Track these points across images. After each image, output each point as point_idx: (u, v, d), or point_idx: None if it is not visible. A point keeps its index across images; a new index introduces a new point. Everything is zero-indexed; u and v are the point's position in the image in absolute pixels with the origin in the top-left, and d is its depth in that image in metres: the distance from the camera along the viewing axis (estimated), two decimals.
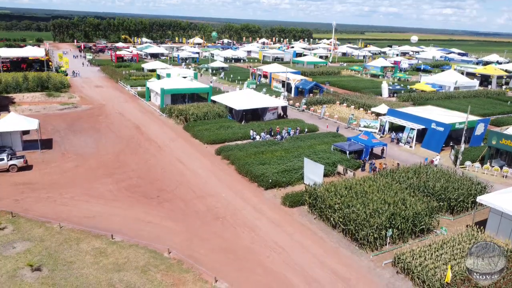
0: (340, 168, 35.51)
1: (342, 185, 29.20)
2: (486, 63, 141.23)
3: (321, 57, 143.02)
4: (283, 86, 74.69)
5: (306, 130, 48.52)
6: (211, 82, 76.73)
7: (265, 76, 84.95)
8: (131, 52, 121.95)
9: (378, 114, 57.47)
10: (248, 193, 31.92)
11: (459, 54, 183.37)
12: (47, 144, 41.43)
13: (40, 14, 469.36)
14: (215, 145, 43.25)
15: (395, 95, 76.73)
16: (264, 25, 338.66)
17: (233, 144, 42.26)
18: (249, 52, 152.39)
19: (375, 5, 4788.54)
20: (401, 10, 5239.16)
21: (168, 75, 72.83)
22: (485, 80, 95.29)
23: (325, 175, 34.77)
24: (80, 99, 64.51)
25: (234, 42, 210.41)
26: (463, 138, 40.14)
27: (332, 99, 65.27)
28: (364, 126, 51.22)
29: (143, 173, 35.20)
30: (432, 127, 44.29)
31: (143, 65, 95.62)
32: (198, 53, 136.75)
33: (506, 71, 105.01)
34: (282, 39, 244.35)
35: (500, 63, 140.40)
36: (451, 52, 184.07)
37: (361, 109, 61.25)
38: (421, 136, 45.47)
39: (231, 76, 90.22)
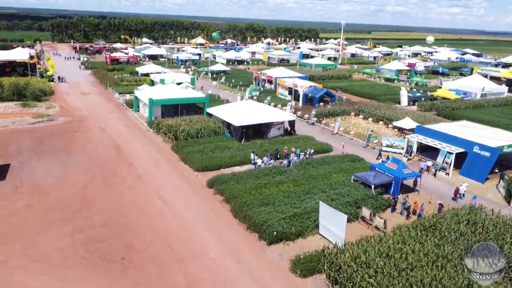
0: (365, 212, 27.43)
1: (375, 248, 21.08)
2: (506, 65, 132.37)
3: (329, 58, 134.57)
4: (289, 93, 66.64)
5: (312, 151, 40.32)
6: (204, 91, 68.77)
7: (270, 82, 76.90)
8: (127, 54, 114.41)
9: (400, 129, 49.27)
10: (246, 251, 23.95)
11: (473, 54, 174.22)
12: (0, 172, 33.73)
13: (46, 14, 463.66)
14: (208, 172, 35.34)
15: (416, 103, 68.40)
16: (269, 24, 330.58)
17: (229, 173, 34.25)
18: (253, 53, 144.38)
19: (381, 4, 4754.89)
20: (407, 9, 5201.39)
21: (162, 81, 65.14)
22: (510, 84, 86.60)
23: (347, 221, 26.92)
24: (60, 109, 56.83)
25: (238, 43, 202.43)
26: None
27: (346, 109, 57.03)
28: (387, 146, 43.11)
29: (112, 217, 27.33)
30: (474, 151, 36.02)
31: (137, 69, 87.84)
32: (199, 54, 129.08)
33: None
34: (288, 39, 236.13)
35: None
36: (465, 53, 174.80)
37: (381, 122, 53.00)
38: (458, 159, 37.18)
39: (233, 80, 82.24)
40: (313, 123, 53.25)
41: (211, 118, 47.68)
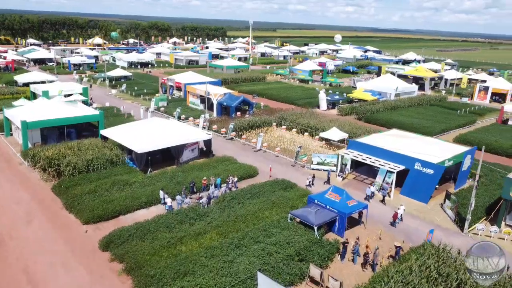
0: (314, 271, 21.26)
1: None
2: (405, 62, 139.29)
3: (240, 59, 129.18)
4: (202, 102, 59.09)
5: (236, 180, 33.67)
6: (96, 104, 58.55)
7: (179, 88, 68.44)
8: (5, 59, 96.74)
9: (328, 141, 44.78)
10: None
11: (374, 51, 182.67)
12: None
13: None
14: (103, 223, 26.62)
15: (335, 106, 65.41)
16: (175, 23, 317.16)
17: (131, 224, 25.89)
18: (158, 54, 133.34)
19: (284, 2, 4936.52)
20: (308, 8, 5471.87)
21: (46, 94, 53.46)
22: (416, 82, 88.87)
23: (291, 283, 20.72)
24: None
25: (142, 43, 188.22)
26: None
27: (267, 120, 51.14)
28: (318, 163, 37.97)
29: None
30: (416, 168, 32.19)
31: (16, 77, 72.89)
32: (96, 57, 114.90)
33: (435, 71, 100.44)
34: (195, 38, 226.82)
35: (419, 61, 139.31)
36: (367, 50, 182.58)
37: (306, 133, 48.07)
38: (398, 175, 33.11)
39: (136, 88, 72.10)
40: (231, 138, 46.47)
41: (107, 142, 38.31)
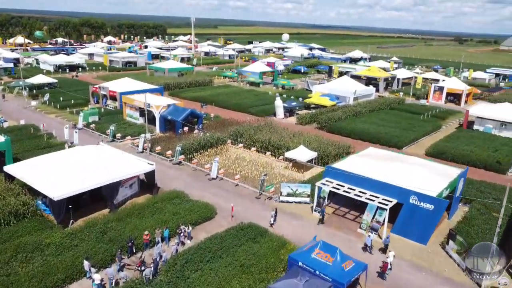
0: None
1: None
2: (352, 60, 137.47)
3: (182, 59, 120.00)
4: (141, 115, 50.27)
5: (190, 229, 26.11)
6: (7, 127, 48.02)
7: (114, 98, 58.73)
8: None
9: (294, 162, 38.25)
10: None
11: (319, 49, 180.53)
12: None
13: None
14: None
15: (293, 114, 59.29)
16: (110, 19, 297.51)
17: None
18: (91, 55, 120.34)
19: None
20: (248, 4, 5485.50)
21: None
22: (369, 83, 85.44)
23: None
24: None
25: (72, 42, 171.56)
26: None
27: (220, 137, 43.50)
28: (288, 195, 31.30)
29: None
30: (411, 201, 26.44)
31: None
32: (17, 59, 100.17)
33: (384, 70, 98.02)
34: (132, 36, 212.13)
35: (366, 59, 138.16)
36: (312, 48, 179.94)
37: (268, 152, 41.19)
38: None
39: (61, 98, 61.24)
40: (179, 163, 38.47)
41: (13, 183, 28.86)
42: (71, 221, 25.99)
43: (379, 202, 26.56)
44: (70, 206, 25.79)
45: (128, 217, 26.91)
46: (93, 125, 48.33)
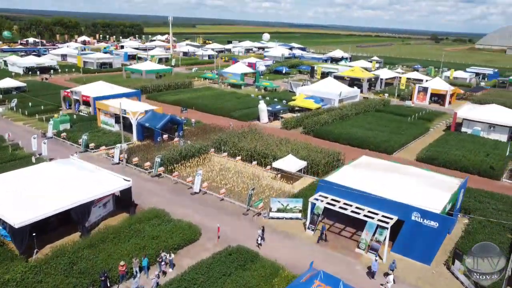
0: None
1: None
2: (333, 60, 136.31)
3: (160, 60, 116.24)
4: (117, 121, 47.01)
5: (172, 257, 23.40)
6: None
7: (87, 103, 55.10)
8: None
9: (283, 173, 35.90)
10: None
11: (299, 49, 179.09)
12: None
13: None
14: None
15: (280, 118, 56.97)
16: (84, 18, 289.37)
17: None
18: (64, 56, 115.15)
19: None
20: (226, 3, 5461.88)
21: None
22: (352, 84, 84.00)
23: None
24: None
25: (44, 42, 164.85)
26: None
27: (203, 146, 40.69)
28: (279, 210, 28.93)
29: None
30: (413, 219, 24.42)
31: None
32: None
33: (367, 70, 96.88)
34: (108, 36, 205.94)
35: (347, 59, 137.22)
36: (292, 47, 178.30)
37: (254, 162, 38.70)
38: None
39: (30, 104, 57.21)
40: (159, 175, 35.59)
41: None
42: (35, 250, 22.90)
43: (379, 220, 24.44)
44: (34, 234, 22.68)
45: (102, 242, 23.99)
46: (64, 134, 44.83)
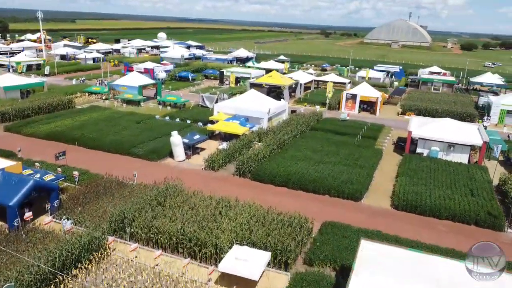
0: None
1: None
2: (239, 60, 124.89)
3: (29, 67, 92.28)
4: None
5: None
6: None
7: None
8: None
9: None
10: None
11: (197, 47, 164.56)
12: None
13: None
14: None
15: (199, 151, 42.81)
16: None
17: None
18: None
19: None
20: None
21: None
22: (270, 92, 73.09)
23: None
24: None
25: None
26: None
27: (93, 237, 24.77)
28: None
29: None
30: None
31: None
32: None
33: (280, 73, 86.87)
34: None
35: (251, 59, 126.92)
36: (190, 46, 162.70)
37: (186, 259, 24.17)
38: None
39: None
40: None
41: None
42: None
43: None
44: None
45: None
46: None
